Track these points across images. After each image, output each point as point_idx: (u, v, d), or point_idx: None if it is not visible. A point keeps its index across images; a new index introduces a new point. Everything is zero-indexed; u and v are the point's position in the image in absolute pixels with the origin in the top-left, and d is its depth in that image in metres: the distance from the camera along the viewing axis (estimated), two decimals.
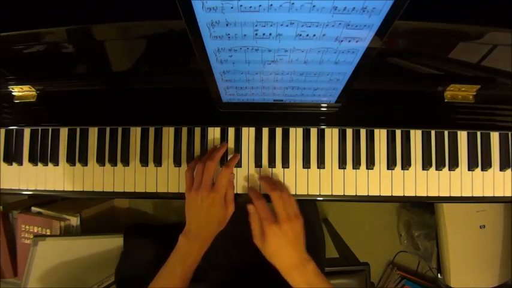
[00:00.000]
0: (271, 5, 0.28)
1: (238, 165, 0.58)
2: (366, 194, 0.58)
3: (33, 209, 1.01)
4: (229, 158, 0.58)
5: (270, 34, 0.33)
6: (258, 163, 0.58)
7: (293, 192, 0.58)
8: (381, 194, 0.58)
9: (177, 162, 0.59)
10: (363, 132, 0.58)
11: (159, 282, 0.50)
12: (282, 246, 0.48)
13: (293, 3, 0.28)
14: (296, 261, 0.48)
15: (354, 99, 0.48)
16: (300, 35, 0.33)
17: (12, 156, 0.62)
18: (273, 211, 0.51)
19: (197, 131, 0.59)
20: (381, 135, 0.59)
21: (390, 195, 0.58)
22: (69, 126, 0.61)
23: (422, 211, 1.21)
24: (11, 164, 0.62)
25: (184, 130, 0.60)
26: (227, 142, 0.59)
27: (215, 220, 0.51)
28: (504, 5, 0.41)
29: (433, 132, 0.58)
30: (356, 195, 0.58)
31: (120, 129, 0.60)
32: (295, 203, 0.52)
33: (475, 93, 0.55)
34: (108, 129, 0.60)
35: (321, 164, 0.58)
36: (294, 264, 0.48)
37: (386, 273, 1.29)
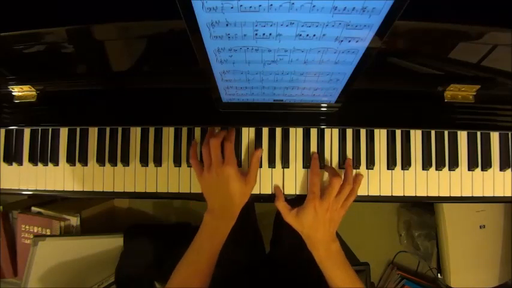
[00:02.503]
0: (271, 5, 0.28)
1: (238, 165, 0.58)
2: (366, 194, 0.58)
3: (33, 209, 1.01)
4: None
5: (270, 34, 0.33)
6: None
7: (293, 193, 0.58)
8: (381, 194, 0.58)
9: (177, 162, 0.59)
10: (363, 132, 0.58)
11: (187, 259, 0.51)
12: (316, 220, 0.51)
13: (293, 3, 0.28)
14: (325, 237, 0.52)
15: (354, 99, 0.48)
16: (300, 35, 0.33)
17: (12, 156, 0.62)
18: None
19: (197, 131, 0.59)
20: (381, 135, 0.59)
21: (390, 195, 0.58)
22: (69, 126, 0.61)
23: (422, 211, 1.21)
24: (11, 164, 0.62)
25: (184, 130, 0.60)
26: None
27: (236, 193, 0.51)
28: (504, 5, 0.41)
29: (433, 132, 0.58)
30: (356, 195, 0.58)
31: (120, 129, 0.60)
32: (351, 200, 0.54)
33: (475, 93, 0.55)
34: (108, 129, 0.60)
35: (320, 164, 0.58)
36: (322, 239, 0.52)
37: (386, 273, 1.29)
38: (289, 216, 0.54)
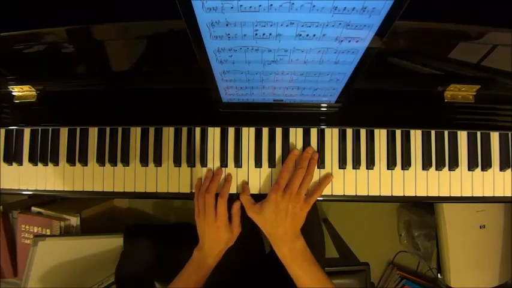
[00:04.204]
0: (271, 5, 0.28)
1: (238, 165, 0.58)
2: (366, 194, 0.58)
3: (33, 209, 1.01)
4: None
5: (270, 34, 0.33)
6: (258, 163, 0.58)
7: None
8: (381, 194, 0.58)
9: (177, 162, 0.59)
10: (363, 132, 0.58)
11: (177, 285, 0.54)
12: (278, 212, 0.51)
13: (293, 3, 0.28)
14: (287, 233, 0.51)
15: (354, 99, 0.48)
16: (300, 35, 0.33)
17: (12, 156, 0.62)
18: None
19: (197, 131, 0.59)
20: (381, 135, 0.58)
21: (390, 195, 0.58)
22: (69, 126, 0.61)
23: (422, 211, 1.21)
24: (11, 164, 0.62)
25: (184, 130, 0.60)
26: (227, 142, 0.59)
27: (222, 241, 0.56)
28: (504, 5, 0.41)
29: (433, 132, 0.58)
30: (356, 195, 0.58)
31: (120, 129, 0.60)
32: (316, 196, 0.55)
33: (475, 93, 0.55)
34: (108, 129, 0.60)
35: (321, 164, 0.58)
36: (284, 235, 0.51)
37: (386, 273, 1.29)
38: (251, 210, 0.54)
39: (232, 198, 0.58)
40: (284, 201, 0.51)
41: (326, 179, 0.57)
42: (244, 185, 0.58)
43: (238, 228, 0.58)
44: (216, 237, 0.56)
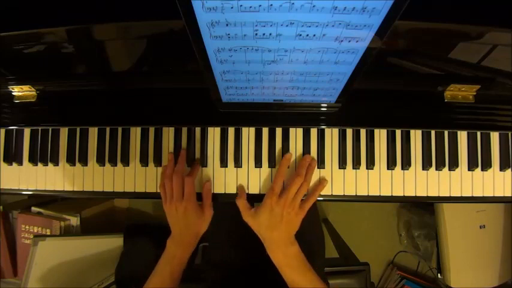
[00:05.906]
0: (271, 5, 0.28)
1: (238, 165, 0.58)
2: (366, 194, 0.58)
3: (33, 209, 1.01)
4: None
5: (270, 34, 0.33)
6: (258, 163, 0.58)
7: None
8: (381, 194, 0.58)
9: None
10: (363, 132, 0.58)
11: (152, 281, 0.54)
12: (272, 218, 0.52)
13: (293, 3, 0.28)
14: (282, 239, 0.52)
15: (354, 99, 0.48)
16: (300, 35, 0.33)
17: (12, 156, 0.62)
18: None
19: (197, 131, 0.59)
20: (381, 135, 0.59)
21: (390, 195, 0.58)
22: (69, 126, 0.61)
23: (422, 211, 1.21)
24: (11, 164, 0.62)
25: (184, 130, 0.60)
26: (227, 142, 0.59)
27: (193, 225, 0.55)
28: (504, 5, 0.41)
29: (433, 132, 0.58)
30: (356, 195, 0.58)
31: (120, 129, 0.60)
32: (311, 202, 0.54)
33: (475, 93, 0.55)
34: (108, 129, 0.60)
35: (321, 164, 0.58)
36: (278, 240, 0.52)
37: (386, 273, 1.29)
38: (247, 215, 0.54)
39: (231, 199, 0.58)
40: (279, 207, 0.52)
41: (320, 184, 0.56)
42: (241, 189, 0.58)
43: (209, 210, 0.57)
44: (185, 221, 0.54)
